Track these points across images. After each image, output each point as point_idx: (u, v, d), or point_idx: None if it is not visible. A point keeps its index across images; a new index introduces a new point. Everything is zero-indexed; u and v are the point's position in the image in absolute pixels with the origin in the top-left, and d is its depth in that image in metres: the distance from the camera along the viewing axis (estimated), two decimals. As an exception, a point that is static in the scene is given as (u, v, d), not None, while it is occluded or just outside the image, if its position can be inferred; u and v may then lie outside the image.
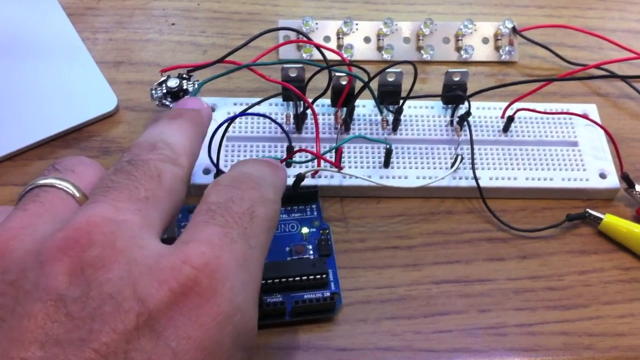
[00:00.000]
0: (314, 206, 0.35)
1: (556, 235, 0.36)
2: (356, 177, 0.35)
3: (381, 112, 0.38)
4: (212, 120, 0.37)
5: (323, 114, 0.38)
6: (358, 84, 0.36)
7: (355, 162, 0.37)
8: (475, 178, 0.36)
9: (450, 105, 0.39)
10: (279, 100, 0.38)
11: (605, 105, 0.41)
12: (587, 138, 0.38)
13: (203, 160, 0.35)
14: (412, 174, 0.36)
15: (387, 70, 0.36)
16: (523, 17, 0.46)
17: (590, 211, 0.36)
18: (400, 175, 0.36)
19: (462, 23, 0.43)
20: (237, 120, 0.37)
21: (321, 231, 0.34)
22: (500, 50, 0.43)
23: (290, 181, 0.35)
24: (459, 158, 0.36)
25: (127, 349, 0.19)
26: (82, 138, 0.38)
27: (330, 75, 0.36)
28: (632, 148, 0.39)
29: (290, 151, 0.35)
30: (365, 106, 0.39)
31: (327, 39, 0.43)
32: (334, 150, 0.35)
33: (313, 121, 0.37)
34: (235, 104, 0.38)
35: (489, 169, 0.37)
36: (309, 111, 0.37)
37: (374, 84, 0.36)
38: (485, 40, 0.44)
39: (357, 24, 0.43)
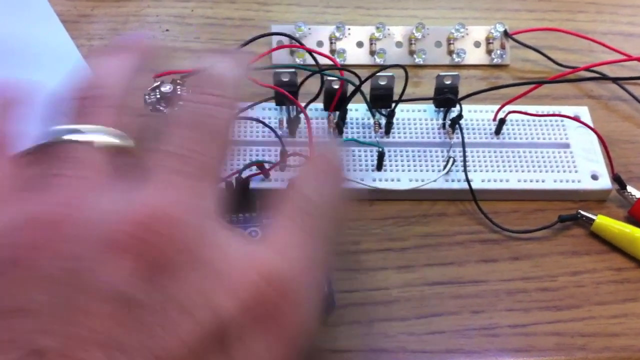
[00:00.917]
0: (307, 209, 0.35)
1: (548, 237, 0.36)
2: (349, 180, 0.35)
3: (373, 116, 0.38)
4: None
5: (316, 118, 0.38)
6: (350, 88, 0.37)
7: (348, 165, 0.37)
8: (468, 180, 0.36)
9: (442, 109, 0.39)
10: (272, 104, 0.38)
11: (596, 108, 0.41)
12: (578, 140, 0.39)
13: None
14: (404, 177, 0.36)
15: (379, 74, 0.36)
16: (514, 20, 0.46)
17: (583, 212, 0.36)
18: (392, 178, 0.36)
19: (453, 27, 0.44)
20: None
21: (314, 234, 0.34)
22: (492, 54, 0.44)
23: (284, 185, 0.35)
24: (451, 160, 0.37)
25: None
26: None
27: (323, 79, 0.37)
28: (623, 150, 0.39)
29: (284, 155, 0.36)
30: (357, 110, 0.39)
31: (320, 43, 0.43)
32: (326, 154, 0.35)
33: (306, 125, 0.37)
34: (228, 109, 0.38)
35: (481, 171, 0.37)
36: (301, 115, 0.37)
37: (365, 88, 0.37)
38: (477, 44, 0.44)
39: (349, 29, 0.43)
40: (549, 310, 0.33)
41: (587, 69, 0.41)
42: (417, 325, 0.32)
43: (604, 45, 0.44)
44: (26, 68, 0.40)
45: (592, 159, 0.38)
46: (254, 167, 0.35)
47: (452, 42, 0.44)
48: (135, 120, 0.23)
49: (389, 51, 0.43)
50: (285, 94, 0.36)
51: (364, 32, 0.44)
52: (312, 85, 0.37)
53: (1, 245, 0.18)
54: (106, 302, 0.17)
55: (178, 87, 0.37)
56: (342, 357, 0.31)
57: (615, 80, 0.42)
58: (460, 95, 0.38)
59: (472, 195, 0.36)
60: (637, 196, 0.36)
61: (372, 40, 0.43)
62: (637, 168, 0.39)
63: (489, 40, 0.44)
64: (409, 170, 0.37)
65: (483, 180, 0.37)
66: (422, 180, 0.36)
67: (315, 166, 0.24)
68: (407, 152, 0.37)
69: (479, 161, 0.37)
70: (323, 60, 0.38)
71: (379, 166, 0.36)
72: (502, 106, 0.38)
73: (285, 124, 0.37)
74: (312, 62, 0.38)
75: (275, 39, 0.43)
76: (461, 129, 0.37)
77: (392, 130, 0.38)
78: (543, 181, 0.37)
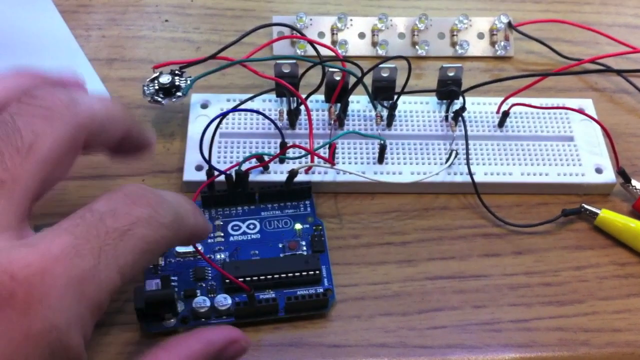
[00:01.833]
0: (307, 202, 0.35)
1: (552, 231, 0.35)
2: (350, 173, 0.35)
3: (375, 108, 0.37)
4: (205, 116, 0.37)
5: (317, 110, 0.38)
6: (352, 80, 0.36)
7: (349, 158, 0.36)
8: (470, 173, 0.35)
9: (444, 101, 0.38)
10: (273, 96, 0.38)
11: (601, 100, 0.41)
12: (583, 133, 0.38)
13: (195, 156, 0.35)
14: (406, 170, 0.36)
15: (381, 65, 0.36)
16: (519, 12, 0.45)
17: (586, 206, 0.35)
18: (394, 171, 0.36)
19: (457, 18, 0.43)
20: (230, 116, 0.37)
21: (314, 227, 0.34)
22: (496, 46, 0.43)
23: (283, 177, 0.34)
24: (454, 153, 0.36)
25: None
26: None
27: (324, 70, 0.36)
28: (628, 143, 0.39)
29: (283, 147, 0.35)
30: (359, 102, 0.38)
31: (321, 34, 0.43)
32: (327, 146, 0.35)
33: (307, 117, 0.36)
34: (228, 100, 0.38)
35: (484, 164, 0.37)
36: (302, 107, 0.37)
37: (368, 80, 0.36)
38: (480, 36, 0.43)
39: (351, 20, 0.43)
40: (551, 305, 0.33)
41: (592, 61, 0.41)
42: (418, 320, 0.32)
43: (609, 37, 0.44)
44: (23, 59, 0.40)
45: (596, 152, 0.37)
46: (254, 160, 0.35)
47: (455, 33, 0.43)
48: None
49: (391, 42, 0.43)
50: (286, 85, 0.35)
51: (366, 23, 0.43)
52: (313, 76, 0.36)
53: None
54: None
55: (176, 77, 0.37)
56: (341, 352, 0.31)
57: (620, 72, 0.41)
58: (463, 88, 0.38)
59: (475, 189, 0.35)
60: (642, 190, 0.36)
61: (374, 31, 0.43)
62: (641, 161, 0.38)
63: (492, 32, 0.43)
64: (410, 164, 0.36)
65: (486, 174, 0.36)
66: (424, 174, 0.36)
67: (123, 189, 0.24)
68: (409, 144, 0.37)
69: (482, 154, 0.37)
70: (324, 52, 0.37)
71: (381, 159, 0.36)
72: (506, 98, 0.38)
73: (285, 116, 0.37)
74: (313, 53, 0.37)
75: (276, 30, 0.42)
76: (464, 122, 0.37)
77: (394, 123, 0.38)
78: (546, 174, 0.36)
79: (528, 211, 0.36)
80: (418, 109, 0.38)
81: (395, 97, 0.37)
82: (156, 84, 0.36)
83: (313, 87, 0.37)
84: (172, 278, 0.31)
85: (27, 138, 0.22)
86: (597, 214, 0.35)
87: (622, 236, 0.35)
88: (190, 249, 0.32)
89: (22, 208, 0.22)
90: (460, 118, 0.37)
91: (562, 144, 0.37)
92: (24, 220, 0.23)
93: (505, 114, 0.38)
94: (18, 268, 0.20)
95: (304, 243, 0.33)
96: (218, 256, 0.33)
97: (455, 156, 0.36)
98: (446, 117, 0.38)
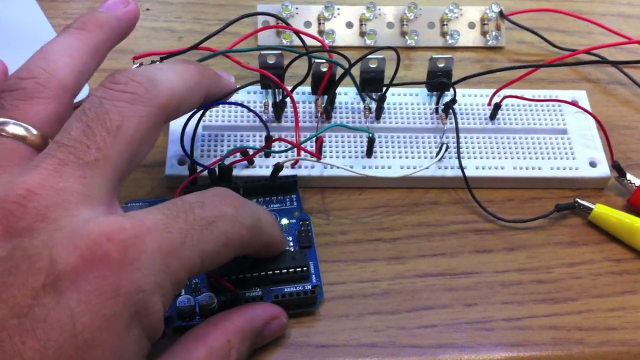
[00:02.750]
0: (293, 196, 0.34)
1: (545, 226, 0.35)
2: (337, 167, 0.34)
3: (363, 100, 0.36)
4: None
5: (303, 102, 0.37)
6: (339, 71, 0.35)
7: (337, 152, 0.35)
8: (461, 167, 0.35)
9: (435, 93, 0.37)
10: (257, 88, 0.37)
11: (595, 92, 0.40)
12: (576, 126, 0.37)
13: (177, 150, 0.34)
14: (395, 164, 0.35)
15: (369, 56, 0.35)
16: (510, 1, 0.44)
17: (580, 201, 0.35)
18: (383, 165, 0.35)
19: (447, 7, 0.42)
20: (214, 108, 0.36)
21: (301, 222, 0.33)
22: (487, 36, 0.42)
23: (268, 172, 0.33)
24: (444, 147, 0.35)
25: (31, 304, 0.21)
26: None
27: (310, 62, 0.35)
28: (622, 136, 0.38)
29: (269, 141, 0.34)
30: (347, 94, 0.37)
31: (307, 24, 0.41)
32: (314, 140, 0.34)
33: (292, 110, 0.35)
34: (211, 92, 0.37)
35: (475, 158, 0.36)
36: (288, 99, 0.35)
37: (355, 71, 0.35)
38: (471, 25, 0.42)
39: (338, 9, 0.42)
40: (545, 303, 0.32)
41: (586, 52, 0.40)
42: (408, 318, 0.31)
43: (602, 26, 0.43)
44: (-2, 49, 0.38)
45: (590, 145, 0.37)
46: (238, 154, 0.33)
47: (445, 23, 0.42)
48: (66, 108, 0.27)
49: (379, 32, 0.42)
50: (271, 76, 0.34)
51: (354, 12, 0.42)
52: (299, 67, 0.35)
53: None
54: None
55: (158, 69, 0.35)
56: (329, 352, 0.30)
57: (615, 64, 0.41)
58: (454, 79, 0.37)
59: (466, 183, 0.34)
60: (637, 184, 0.35)
61: (362, 20, 0.42)
62: (636, 155, 0.37)
63: (483, 21, 0.42)
64: (400, 157, 0.35)
65: (477, 168, 0.35)
66: (414, 168, 0.35)
67: (213, 190, 0.27)
68: (398, 138, 0.36)
69: (473, 148, 0.36)
70: (311, 42, 0.36)
71: (369, 153, 0.35)
72: (498, 90, 0.37)
73: (270, 108, 0.36)
74: (299, 43, 0.36)
75: (260, 19, 0.41)
76: (455, 114, 0.36)
77: (383, 115, 0.37)
78: (539, 168, 0.35)
79: (520, 206, 0.35)
80: (407, 101, 0.37)
81: (384, 89, 0.36)
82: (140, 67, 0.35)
83: (299, 79, 0.36)
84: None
85: (115, 119, 0.25)
86: (591, 209, 0.34)
87: (616, 231, 0.34)
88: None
89: (112, 185, 0.25)
90: (450, 110, 0.36)
91: (555, 137, 0.36)
92: (114, 196, 0.25)
93: (497, 106, 0.37)
94: (114, 231, 0.22)
95: (290, 239, 0.32)
96: (201, 254, 0.32)
97: (446, 150, 0.35)
98: (436, 110, 0.37)
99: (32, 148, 0.26)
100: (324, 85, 0.35)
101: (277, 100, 0.35)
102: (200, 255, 0.24)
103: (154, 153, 0.35)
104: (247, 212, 0.26)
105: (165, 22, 0.42)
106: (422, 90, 0.38)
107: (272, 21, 0.41)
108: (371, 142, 0.35)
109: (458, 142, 0.35)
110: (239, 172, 0.34)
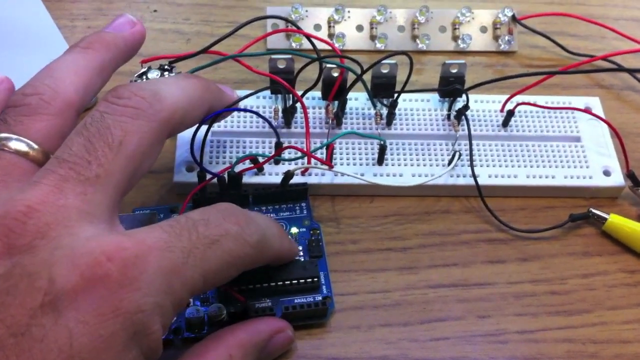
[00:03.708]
0: (303, 204, 0.33)
1: (558, 236, 0.34)
2: (348, 175, 0.33)
3: (375, 106, 0.36)
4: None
5: (313, 108, 0.36)
6: (350, 76, 0.34)
7: (348, 159, 0.35)
8: (474, 175, 0.34)
9: (447, 99, 0.37)
10: (267, 93, 0.36)
11: (608, 98, 0.39)
12: (590, 133, 0.37)
13: (186, 157, 0.33)
14: (407, 172, 0.34)
15: (381, 61, 0.34)
16: (523, 4, 0.44)
17: (594, 211, 0.34)
18: (394, 173, 0.34)
19: (459, 11, 0.41)
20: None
21: (311, 231, 0.32)
22: (499, 40, 0.41)
23: (278, 179, 0.33)
24: (457, 154, 0.35)
25: (29, 323, 0.20)
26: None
27: (321, 66, 0.34)
28: (637, 143, 0.38)
29: (279, 148, 0.33)
30: (357, 99, 0.37)
31: (317, 27, 0.41)
32: (324, 147, 0.33)
33: (303, 115, 0.35)
34: (220, 97, 0.36)
35: (487, 166, 0.35)
36: (298, 105, 0.35)
37: (367, 76, 0.34)
38: (483, 29, 0.42)
39: (349, 12, 0.41)
40: (559, 315, 0.31)
41: (602, 59, 0.39)
42: (420, 330, 0.30)
43: (615, 31, 0.42)
44: (4, 50, 0.38)
45: (604, 153, 0.36)
46: (247, 161, 0.33)
47: (457, 26, 0.41)
48: (70, 125, 0.26)
49: (390, 36, 0.41)
50: (282, 82, 0.34)
51: (364, 15, 0.41)
52: (310, 72, 0.35)
53: None
54: None
55: (166, 73, 0.35)
56: (340, 365, 0.29)
57: (631, 71, 0.40)
58: (466, 84, 0.36)
59: (479, 192, 0.34)
60: (652, 194, 0.34)
61: (373, 24, 0.41)
62: (650, 163, 0.37)
63: (495, 25, 0.42)
64: (411, 165, 0.35)
65: (490, 176, 0.35)
66: (426, 176, 0.34)
67: (218, 206, 0.26)
68: (410, 145, 0.35)
69: (486, 155, 0.35)
70: (321, 45, 0.36)
71: (380, 160, 0.34)
72: (511, 97, 0.36)
73: (280, 114, 0.35)
74: (308, 46, 0.35)
75: (270, 22, 0.40)
76: (467, 121, 0.35)
77: (394, 122, 0.36)
78: (553, 177, 0.35)
79: (533, 215, 0.35)
80: (419, 107, 0.37)
81: (396, 94, 0.35)
82: (144, 79, 0.34)
83: (309, 84, 0.35)
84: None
85: (117, 135, 0.24)
86: (605, 219, 0.34)
87: (631, 242, 0.33)
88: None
89: (113, 201, 0.24)
90: (463, 117, 0.35)
91: (569, 145, 0.36)
92: (115, 213, 0.24)
93: (510, 113, 0.36)
94: (115, 250, 0.22)
95: (300, 248, 0.32)
96: (210, 263, 0.31)
97: (459, 157, 0.34)
98: (448, 116, 0.36)
99: (34, 164, 0.25)
100: (335, 91, 0.35)
101: (288, 105, 0.35)
102: (203, 275, 0.24)
103: (162, 159, 0.34)
104: (252, 229, 0.26)
105: (173, 23, 0.41)
106: (434, 96, 0.37)
107: (281, 24, 0.40)
108: (382, 150, 0.34)
109: (471, 150, 0.35)
110: (248, 179, 0.33)
